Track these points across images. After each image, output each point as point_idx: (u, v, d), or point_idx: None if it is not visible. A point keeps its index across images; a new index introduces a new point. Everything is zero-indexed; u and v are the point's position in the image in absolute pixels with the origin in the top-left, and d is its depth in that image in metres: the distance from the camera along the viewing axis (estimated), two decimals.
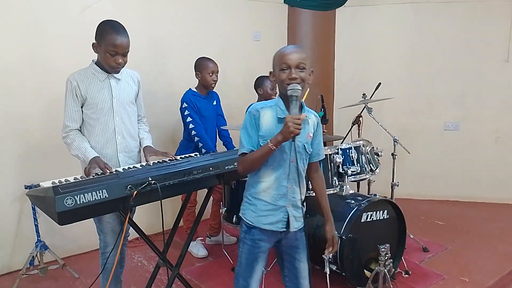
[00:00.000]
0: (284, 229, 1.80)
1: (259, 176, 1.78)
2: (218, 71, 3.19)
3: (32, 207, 2.97)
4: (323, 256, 2.60)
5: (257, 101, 3.53)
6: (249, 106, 1.81)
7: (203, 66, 3.15)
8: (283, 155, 1.73)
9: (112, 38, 2.15)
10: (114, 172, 2.03)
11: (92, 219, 2.26)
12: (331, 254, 1.99)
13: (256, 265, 1.83)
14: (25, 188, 2.88)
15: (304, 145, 1.78)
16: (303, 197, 1.82)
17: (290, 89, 1.65)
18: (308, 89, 2.77)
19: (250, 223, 1.80)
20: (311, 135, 1.82)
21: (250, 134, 1.74)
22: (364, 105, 3.41)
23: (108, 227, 2.30)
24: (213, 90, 3.31)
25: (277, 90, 1.85)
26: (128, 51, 2.25)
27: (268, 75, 1.84)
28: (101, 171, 2.05)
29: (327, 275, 2.59)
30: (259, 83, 3.52)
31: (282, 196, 1.77)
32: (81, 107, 2.27)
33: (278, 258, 1.97)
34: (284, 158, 1.74)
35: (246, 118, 1.77)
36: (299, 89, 1.65)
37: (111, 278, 2.25)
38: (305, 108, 1.80)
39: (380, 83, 3.42)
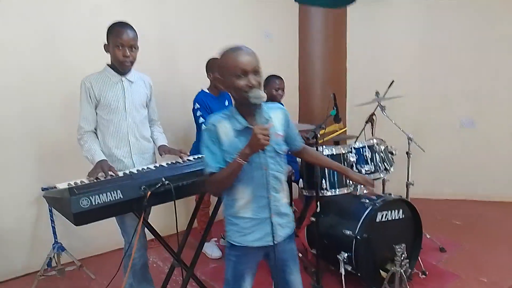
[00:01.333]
0: (274, 243, 1.64)
1: (234, 194, 1.65)
2: None
3: (49, 209, 3.02)
4: (337, 256, 2.59)
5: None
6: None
7: (215, 66, 3.15)
8: (252, 166, 1.59)
9: (118, 31, 2.23)
10: (120, 175, 2.04)
11: (114, 221, 2.30)
12: (373, 195, 2.01)
13: (243, 282, 1.72)
14: (42, 190, 2.92)
15: (274, 148, 1.65)
16: (287, 200, 1.76)
17: (253, 97, 1.51)
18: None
19: (237, 244, 1.69)
20: (281, 132, 1.70)
21: (213, 151, 1.60)
22: (377, 103, 3.38)
23: (130, 227, 2.29)
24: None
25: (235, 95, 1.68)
26: (136, 46, 2.30)
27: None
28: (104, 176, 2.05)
29: (342, 275, 2.57)
30: (265, 83, 3.52)
31: (264, 207, 1.64)
32: (95, 108, 2.31)
33: (271, 270, 1.85)
34: (254, 168, 1.60)
35: (204, 135, 1.63)
36: (263, 96, 1.52)
37: (127, 276, 2.30)
38: (263, 107, 1.59)
39: (393, 81, 3.38)
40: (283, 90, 3.51)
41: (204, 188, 2.20)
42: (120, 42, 2.23)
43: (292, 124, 1.78)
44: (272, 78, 3.47)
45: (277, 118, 1.70)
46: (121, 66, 2.30)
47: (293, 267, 1.78)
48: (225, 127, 1.60)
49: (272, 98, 3.50)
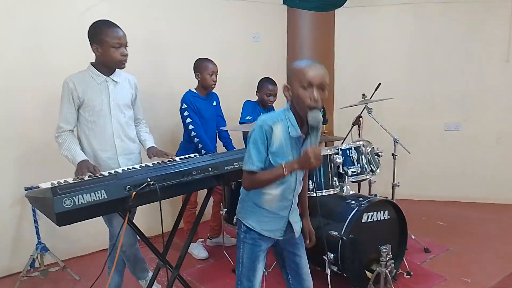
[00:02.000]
0: (281, 237, 1.82)
1: (265, 187, 1.74)
2: (217, 71, 3.19)
3: (32, 209, 2.97)
4: (324, 257, 2.59)
5: (256, 101, 3.54)
6: (258, 119, 1.71)
7: (203, 66, 3.14)
8: (290, 175, 1.69)
9: (114, 31, 2.21)
10: (113, 172, 2.02)
11: (98, 222, 2.27)
12: (309, 245, 1.98)
13: (258, 264, 1.82)
14: (25, 190, 2.87)
15: None
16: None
17: (312, 118, 1.56)
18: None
19: (251, 227, 1.79)
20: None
21: (260, 150, 1.66)
22: (364, 105, 3.40)
23: (117, 221, 2.28)
24: (213, 91, 3.31)
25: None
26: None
27: (285, 82, 1.70)
28: (91, 175, 2.03)
29: (328, 276, 2.58)
30: (259, 86, 3.52)
31: (285, 207, 1.78)
32: (78, 109, 2.28)
33: (277, 257, 1.97)
34: (291, 175, 1.70)
35: (257, 133, 1.66)
36: (321, 119, 1.58)
37: (111, 276, 2.39)
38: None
39: (380, 84, 3.41)
40: (275, 96, 3.49)
41: (189, 189, 2.22)
42: (119, 42, 2.20)
43: None
44: (265, 83, 3.46)
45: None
46: (119, 66, 2.29)
47: (303, 251, 1.91)
48: (279, 130, 1.65)
49: (262, 103, 3.50)
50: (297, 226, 1.84)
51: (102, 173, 2.03)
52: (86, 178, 1.97)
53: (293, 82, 1.62)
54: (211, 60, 3.18)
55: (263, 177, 1.66)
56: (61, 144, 2.25)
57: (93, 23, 2.25)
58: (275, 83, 3.47)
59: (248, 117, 3.38)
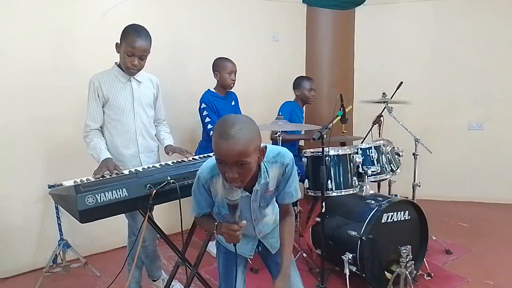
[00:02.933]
0: (251, 256, 1.80)
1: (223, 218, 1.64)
2: (236, 71, 3.20)
3: (55, 206, 3.04)
4: (342, 257, 2.58)
5: (294, 101, 3.57)
6: (200, 168, 1.61)
7: (222, 66, 3.16)
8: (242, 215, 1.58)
9: (132, 40, 2.21)
10: (134, 170, 2.05)
11: (119, 219, 2.30)
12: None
13: (232, 274, 1.76)
14: (48, 188, 2.94)
15: (260, 204, 1.64)
16: (273, 218, 1.77)
17: (229, 199, 1.39)
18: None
19: (221, 242, 1.80)
20: (271, 188, 1.62)
21: (199, 201, 1.63)
22: (385, 104, 3.36)
23: (139, 219, 2.31)
24: (232, 90, 3.33)
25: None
26: (146, 56, 2.30)
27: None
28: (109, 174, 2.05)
29: (347, 276, 2.57)
30: (297, 83, 3.56)
31: (250, 232, 1.73)
32: (103, 107, 2.33)
33: (265, 264, 1.93)
34: (244, 216, 1.59)
35: (196, 183, 1.60)
36: (237, 199, 1.39)
37: (131, 274, 2.41)
38: (264, 169, 1.54)
39: (401, 82, 3.37)
40: (315, 91, 3.64)
41: None
42: (131, 51, 2.22)
43: (293, 177, 1.65)
44: (304, 79, 3.59)
45: (274, 174, 1.59)
46: (126, 71, 2.32)
47: (293, 269, 1.78)
48: (218, 183, 1.55)
49: (303, 100, 3.58)
50: (269, 245, 1.79)
51: (123, 171, 2.06)
52: (107, 176, 2.00)
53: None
54: (230, 59, 3.19)
55: (202, 224, 1.71)
56: (88, 144, 2.30)
57: (129, 24, 2.29)
58: (312, 78, 3.66)
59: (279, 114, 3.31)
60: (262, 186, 1.56)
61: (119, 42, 2.28)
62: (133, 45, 2.21)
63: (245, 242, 1.74)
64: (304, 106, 3.79)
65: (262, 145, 1.45)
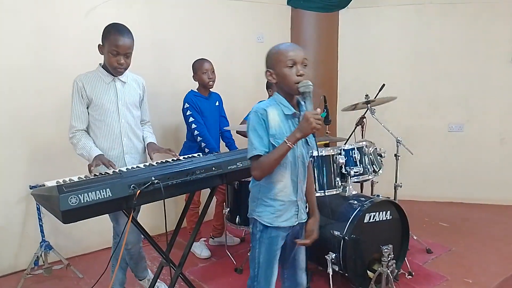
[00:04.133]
0: (296, 223, 1.84)
1: (274, 177, 1.74)
2: (213, 69, 3.22)
3: (37, 207, 3.00)
4: (325, 256, 2.61)
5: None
6: (252, 109, 1.75)
7: (197, 66, 3.20)
8: (293, 152, 1.72)
9: (115, 39, 2.20)
10: (118, 171, 2.04)
11: (102, 220, 2.28)
12: (302, 242, 1.87)
13: (275, 263, 1.82)
14: (30, 188, 2.90)
15: (307, 139, 1.79)
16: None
17: (303, 86, 1.64)
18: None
19: (268, 224, 1.78)
20: None
21: (261, 135, 1.68)
22: (367, 106, 3.41)
23: (123, 220, 2.31)
24: (215, 91, 3.34)
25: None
26: (131, 53, 2.29)
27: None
28: (105, 170, 2.07)
29: (330, 275, 2.59)
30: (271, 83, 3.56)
31: (294, 192, 1.79)
32: (87, 108, 2.31)
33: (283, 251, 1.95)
34: (294, 155, 1.74)
35: (253, 119, 1.70)
36: (311, 85, 1.65)
37: (119, 263, 2.39)
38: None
39: (384, 84, 3.42)
40: None
41: (193, 188, 2.23)
42: (116, 50, 2.21)
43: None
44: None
45: None
46: (114, 71, 2.30)
47: (303, 247, 1.92)
48: (273, 112, 1.70)
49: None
50: (303, 215, 1.86)
51: (107, 171, 2.05)
52: (94, 171, 1.99)
53: (276, 65, 1.71)
54: (206, 59, 3.21)
55: (270, 157, 1.66)
56: (76, 144, 2.28)
57: (109, 24, 2.28)
58: None
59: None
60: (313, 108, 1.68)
61: (101, 44, 2.27)
62: (117, 44, 2.20)
63: (290, 206, 1.80)
64: None
65: None
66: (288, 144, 1.61)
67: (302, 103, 1.72)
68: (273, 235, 1.79)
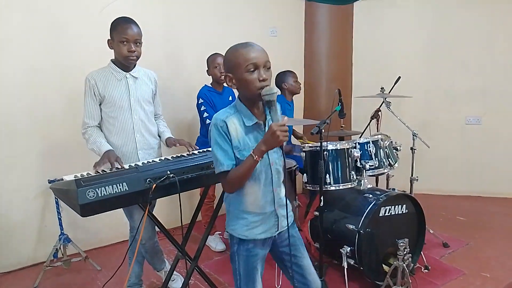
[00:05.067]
0: (277, 233, 1.73)
1: (243, 190, 1.64)
2: None
3: (56, 201, 3.05)
4: (340, 250, 2.60)
5: (281, 94, 3.59)
6: (212, 120, 1.63)
7: (210, 61, 3.21)
8: (262, 162, 1.57)
9: (123, 27, 2.24)
10: (126, 167, 2.06)
11: (119, 214, 2.34)
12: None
13: (256, 274, 1.72)
14: (49, 183, 2.95)
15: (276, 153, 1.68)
16: (285, 191, 1.75)
17: (267, 95, 1.51)
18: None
19: (244, 237, 1.69)
20: None
21: (225, 149, 1.56)
22: (383, 99, 3.38)
23: (137, 214, 2.34)
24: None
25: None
26: (140, 42, 2.31)
27: (228, 73, 1.59)
28: (110, 167, 2.06)
29: (345, 269, 2.59)
30: (282, 78, 3.59)
31: (270, 202, 1.67)
32: (100, 105, 2.34)
33: (278, 262, 1.88)
34: (262, 164, 1.61)
35: (214, 133, 1.58)
36: (275, 92, 1.52)
37: (135, 257, 2.41)
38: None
39: (399, 77, 3.38)
40: (299, 82, 3.74)
41: (208, 182, 2.24)
42: (125, 38, 2.23)
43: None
44: (287, 72, 3.66)
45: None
46: (126, 61, 2.31)
47: (303, 251, 1.80)
48: (234, 123, 1.58)
49: (292, 91, 3.68)
50: (283, 222, 1.71)
51: (124, 166, 2.08)
52: (103, 168, 2.01)
53: (235, 69, 1.55)
54: (220, 54, 3.20)
55: (237, 172, 1.56)
56: (87, 139, 2.31)
57: (114, 19, 2.30)
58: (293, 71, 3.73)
59: None
60: (279, 118, 1.54)
61: (110, 38, 2.29)
62: (125, 31, 2.23)
63: (267, 218, 1.69)
64: (292, 99, 3.78)
65: None
66: (255, 158, 1.50)
67: (267, 112, 1.60)
68: (250, 246, 1.69)
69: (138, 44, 2.29)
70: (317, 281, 1.83)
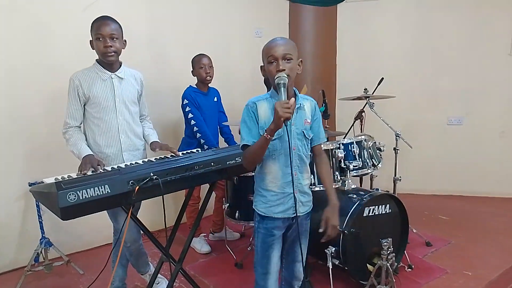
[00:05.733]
0: (294, 215, 1.84)
1: (265, 168, 1.82)
2: (211, 64, 3.22)
3: (37, 204, 3.00)
4: (325, 250, 2.61)
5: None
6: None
7: (195, 61, 3.20)
8: (283, 144, 1.76)
9: (97, 25, 2.24)
10: (116, 167, 2.04)
11: (102, 216, 2.29)
12: (324, 239, 1.87)
13: (271, 252, 1.86)
14: (29, 186, 2.90)
15: (303, 132, 1.83)
16: (308, 182, 1.91)
17: (277, 77, 1.69)
18: (305, 86, 2.77)
19: (263, 214, 1.85)
20: (309, 120, 1.87)
21: (250, 127, 1.77)
22: (366, 100, 3.40)
23: (122, 216, 2.32)
24: (214, 87, 3.34)
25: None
26: (118, 36, 2.27)
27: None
28: (93, 170, 2.04)
29: (330, 269, 2.60)
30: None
31: (289, 183, 1.79)
32: (84, 105, 2.31)
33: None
34: (285, 147, 1.76)
35: (244, 112, 1.80)
36: (285, 76, 1.68)
37: (118, 260, 2.42)
38: (298, 95, 1.84)
39: (382, 78, 3.41)
40: None
41: (192, 183, 2.23)
42: (100, 34, 2.22)
43: (319, 119, 1.94)
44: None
45: (308, 107, 1.88)
46: (105, 58, 2.27)
47: (305, 241, 1.97)
48: (264, 106, 1.78)
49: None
50: (301, 208, 1.87)
51: (106, 168, 2.05)
52: (89, 173, 1.99)
53: (264, 61, 1.79)
54: (204, 54, 3.21)
55: (251, 148, 1.74)
56: (68, 140, 2.28)
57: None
58: None
59: None
60: (301, 112, 1.82)
61: (91, 38, 2.28)
62: (100, 28, 2.22)
63: (285, 199, 1.82)
64: None
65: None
66: (264, 135, 1.65)
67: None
68: (268, 225, 1.85)
69: (115, 40, 2.26)
70: (301, 272, 1.99)
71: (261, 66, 1.84)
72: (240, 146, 1.80)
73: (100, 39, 2.22)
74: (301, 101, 1.84)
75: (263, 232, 1.87)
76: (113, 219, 2.40)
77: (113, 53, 2.26)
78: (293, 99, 1.67)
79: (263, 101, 1.80)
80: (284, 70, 1.70)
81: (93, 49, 2.29)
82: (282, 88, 1.67)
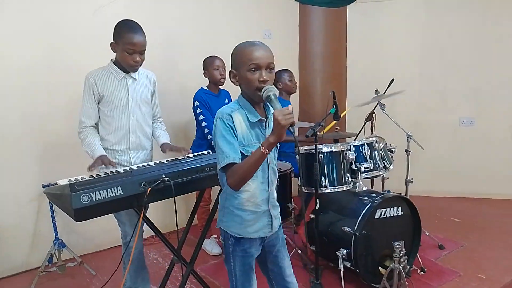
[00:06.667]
0: (270, 233, 1.74)
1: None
2: (224, 66, 3.22)
3: (50, 205, 3.03)
4: (336, 253, 2.60)
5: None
6: (216, 114, 1.61)
7: (208, 62, 3.21)
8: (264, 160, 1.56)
9: (129, 37, 2.21)
10: (120, 171, 2.04)
11: (114, 218, 2.33)
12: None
13: (251, 273, 1.74)
14: (43, 187, 2.93)
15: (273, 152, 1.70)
16: (276, 195, 1.77)
17: (265, 90, 1.52)
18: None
19: (238, 235, 1.68)
20: None
21: (230, 141, 1.54)
22: (377, 101, 3.39)
23: (126, 218, 2.36)
24: (225, 89, 3.34)
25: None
26: (145, 50, 2.30)
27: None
28: (104, 171, 2.06)
29: (341, 272, 2.59)
30: (277, 78, 3.59)
31: (265, 200, 1.69)
32: (98, 103, 2.34)
33: (260, 263, 1.85)
34: (264, 161, 1.59)
35: (219, 126, 1.56)
36: (273, 88, 1.54)
37: (130, 263, 2.31)
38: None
39: (393, 79, 3.39)
40: (295, 81, 3.77)
41: (203, 185, 2.24)
42: (132, 49, 2.22)
43: None
44: (282, 72, 3.69)
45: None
46: (130, 69, 2.32)
47: (284, 253, 1.84)
48: (238, 118, 1.58)
49: (289, 90, 3.70)
50: (275, 222, 1.75)
51: (118, 169, 2.07)
52: (102, 174, 2.01)
53: (239, 67, 1.58)
54: (217, 56, 3.22)
55: (244, 165, 1.51)
56: (83, 140, 2.31)
57: (120, 21, 2.28)
58: (290, 70, 3.79)
59: None
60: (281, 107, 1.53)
61: (113, 42, 2.27)
62: (133, 42, 2.21)
63: (261, 217, 1.69)
64: (289, 99, 3.80)
65: None
66: (262, 150, 1.47)
67: (270, 107, 1.61)
68: (246, 247, 1.70)
69: (143, 52, 2.29)
70: (294, 283, 1.84)
71: (230, 72, 1.64)
72: (223, 165, 1.53)
73: (131, 53, 2.23)
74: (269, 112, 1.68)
75: (241, 255, 1.70)
76: (120, 222, 2.41)
77: (139, 66, 2.32)
78: (290, 106, 1.50)
79: (236, 112, 1.59)
80: (268, 81, 1.54)
81: (114, 51, 2.30)
82: (274, 99, 1.50)
